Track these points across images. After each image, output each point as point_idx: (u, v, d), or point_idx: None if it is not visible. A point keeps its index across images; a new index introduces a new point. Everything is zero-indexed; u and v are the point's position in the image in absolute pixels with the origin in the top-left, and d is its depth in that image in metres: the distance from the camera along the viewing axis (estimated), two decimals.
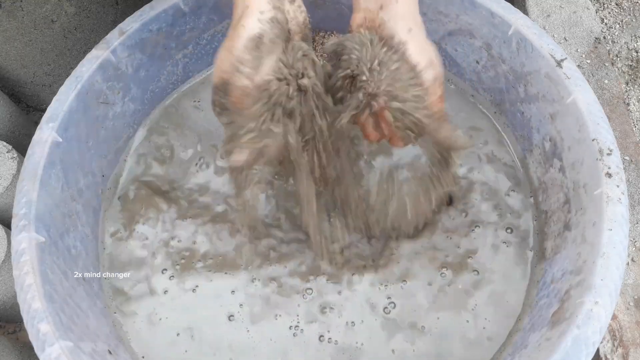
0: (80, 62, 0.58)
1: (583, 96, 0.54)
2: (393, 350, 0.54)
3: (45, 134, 0.54)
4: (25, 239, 0.48)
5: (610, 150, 0.51)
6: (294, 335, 0.55)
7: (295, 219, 0.60)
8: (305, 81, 0.45)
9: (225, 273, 0.58)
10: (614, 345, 0.58)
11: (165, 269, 0.59)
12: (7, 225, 0.63)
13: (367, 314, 0.56)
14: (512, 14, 0.59)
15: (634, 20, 0.82)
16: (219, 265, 0.59)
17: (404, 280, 0.57)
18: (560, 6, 0.76)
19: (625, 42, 0.79)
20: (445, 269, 0.58)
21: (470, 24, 0.63)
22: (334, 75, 0.47)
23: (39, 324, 0.45)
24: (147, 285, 0.58)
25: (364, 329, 0.55)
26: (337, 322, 0.55)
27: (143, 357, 0.55)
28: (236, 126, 0.46)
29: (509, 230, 0.60)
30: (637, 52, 0.78)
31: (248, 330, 0.55)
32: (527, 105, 0.61)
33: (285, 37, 0.44)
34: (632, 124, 0.72)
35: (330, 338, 0.55)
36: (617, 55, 0.79)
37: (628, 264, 0.62)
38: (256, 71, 0.43)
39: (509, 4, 0.60)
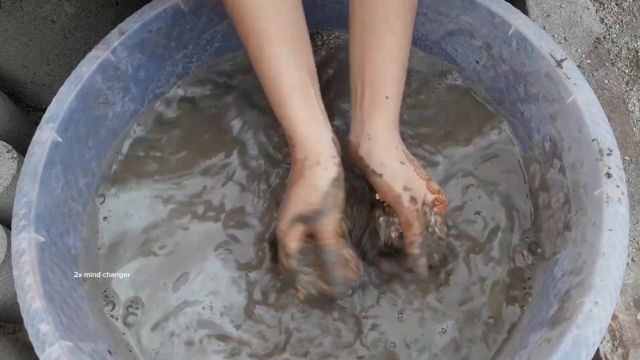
0: (80, 62, 0.58)
1: (583, 96, 0.54)
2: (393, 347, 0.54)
3: (45, 134, 0.54)
4: (25, 239, 0.48)
5: (610, 151, 0.51)
6: None
7: None
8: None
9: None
10: (614, 345, 0.58)
11: (166, 269, 0.59)
12: (7, 225, 0.63)
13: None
14: (512, 14, 0.59)
15: (634, 20, 0.82)
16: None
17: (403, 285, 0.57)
18: (560, 6, 0.76)
19: (625, 42, 0.79)
20: (445, 270, 0.58)
21: (470, 24, 0.63)
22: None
23: (39, 324, 0.45)
24: (147, 285, 0.58)
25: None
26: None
27: (143, 356, 0.55)
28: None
29: (509, 230, 0.60)
30: (637, 52, 0.78)
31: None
32: (527, 105, 0.61)
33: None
34: (632, 124, 0.72)
35: None
36: (617, 55, 0.79)
37: (628, 264, 0.62)
38: (339, 207, 0.51)
39: (509, 4, 0.60)
